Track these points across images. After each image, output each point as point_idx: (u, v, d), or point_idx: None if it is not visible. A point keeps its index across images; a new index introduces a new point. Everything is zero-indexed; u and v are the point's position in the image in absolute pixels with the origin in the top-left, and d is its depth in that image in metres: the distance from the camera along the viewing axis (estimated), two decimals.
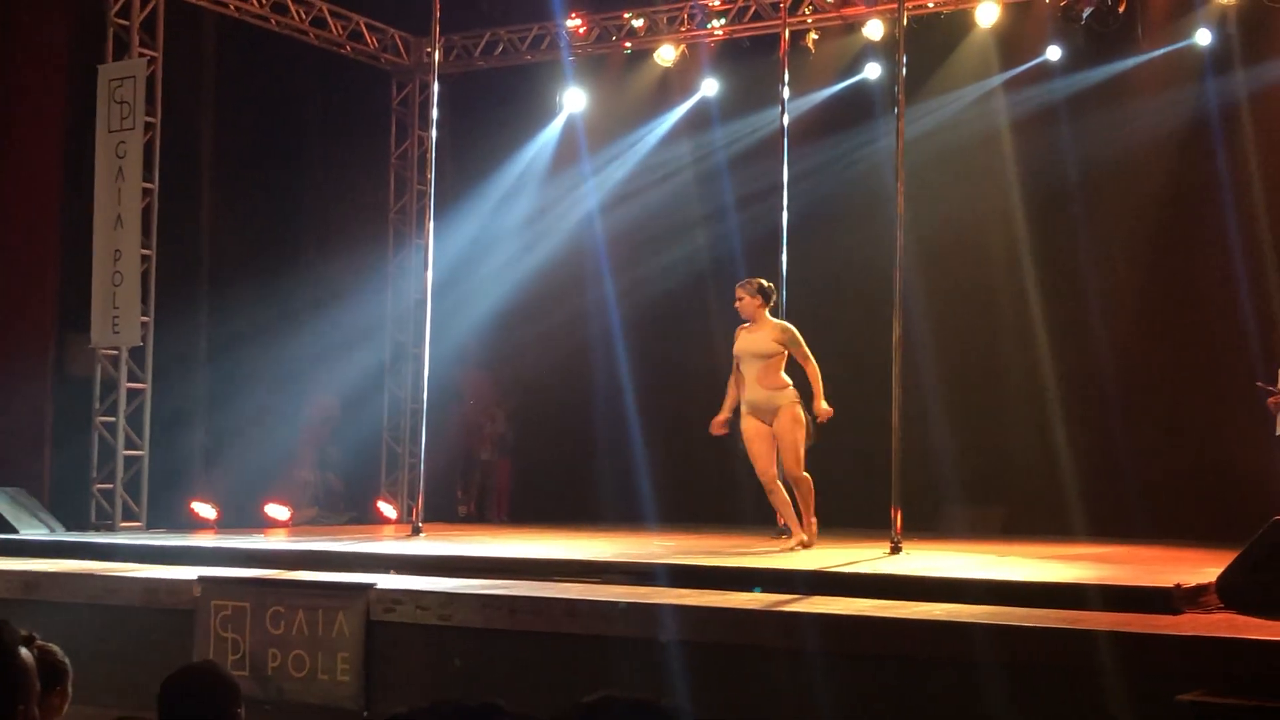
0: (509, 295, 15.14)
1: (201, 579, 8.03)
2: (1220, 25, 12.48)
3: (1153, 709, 5.63)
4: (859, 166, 13.91)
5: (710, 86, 14.42)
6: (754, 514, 11.92)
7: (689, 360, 13.76)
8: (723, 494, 13.39)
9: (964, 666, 6.13)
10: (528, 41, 14.88)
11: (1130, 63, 12.94)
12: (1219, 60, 12.48)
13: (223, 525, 12.43)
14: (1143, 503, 11.67)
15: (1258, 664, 5.74)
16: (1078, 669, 5.95)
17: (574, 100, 14.87)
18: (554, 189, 15.01)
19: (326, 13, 14.17)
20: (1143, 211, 12.53)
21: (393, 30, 14.97)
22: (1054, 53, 13.07)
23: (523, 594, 7.39)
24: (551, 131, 15.03)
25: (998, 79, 13.50)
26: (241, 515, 12.84)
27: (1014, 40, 13.35)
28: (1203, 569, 7.49)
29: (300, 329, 14.18)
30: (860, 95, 13.94)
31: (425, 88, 13.69)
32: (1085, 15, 12.84)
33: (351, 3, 14.41)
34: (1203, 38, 12.54)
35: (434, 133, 12.13)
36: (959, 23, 13.39)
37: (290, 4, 13.80)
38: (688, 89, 14.65)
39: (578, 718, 1.31)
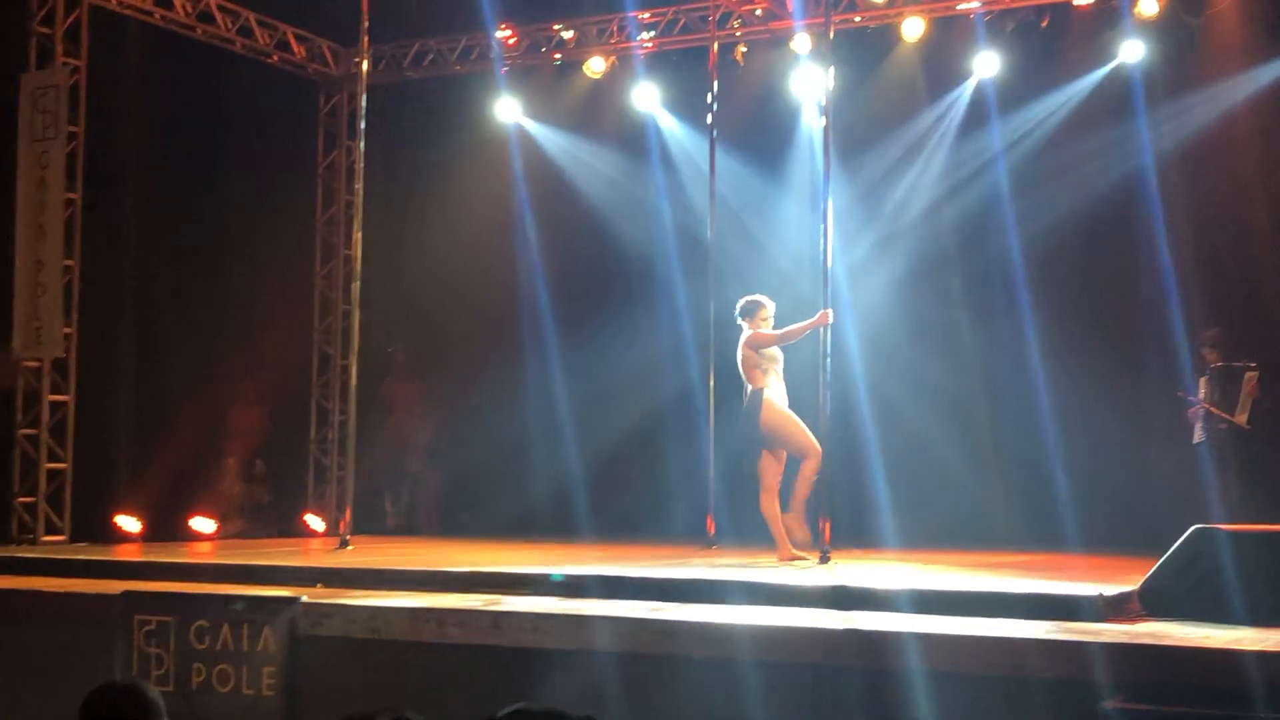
0: (437, 304, 15.10)
1: (125, 593, 7.94)
2: (1144, 41, 12.64)
3: (1078, 717, 5.68)
4: (791, 180, 13.99)
5: (645, 98, 14.43)
6: (686, 525, 11.96)
7: (623, 370, 13.76)
8: (656, 505, 13.43)
9: (892, 675, 6.17)
10: (457, 52, 14.85)
11: (1061, 80, 13.09)
12: (1146, 76, 12.64)
13: (147, 539, 12.29)
14: (1069, 511, 11.78)
15: (1181, 670, 5.82)
16: (1004, 678, 6.00)
17: (507, 110, 14.83)
18: (488, 200, 14.94)
19: (253, 22, 14.07)
20: (1072, 224, 12.65)
21: (321, 40, 14.90)
22: (980, 66, 13.19)
23: (451, 606, 7.36)
24: (488, 141, 14.98)
25: (937, 102, 13.63)
26: (166, 529, 12.70)
27: (940, 54, 13.48)
28: (1127, 576, 7.58)
29: (226, 340, 14.05)
30: (791, 107, 14.02)
31: (353, 98, 13.62)
32: (1010, 29, 13.04)
33: (279, 12, 14.33)
34: (1129, 53, 12.68)
35: (362, 143, 12.07)
36: (886, 37, 13.51)
37: (217, 13, 13.70)
38: (618, 100, 14.67)
39: None
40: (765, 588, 7.74)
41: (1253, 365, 11.39)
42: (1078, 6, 12.81)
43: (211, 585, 8.53)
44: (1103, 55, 12.90)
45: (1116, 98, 12.75)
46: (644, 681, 6.64)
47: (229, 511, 13.79)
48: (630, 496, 13.70)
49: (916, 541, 11.36)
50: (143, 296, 13.65)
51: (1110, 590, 7.05)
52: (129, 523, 12.36)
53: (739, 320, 10.03)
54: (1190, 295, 12.01)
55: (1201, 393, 11.63)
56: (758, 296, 10.06)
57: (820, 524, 9.48)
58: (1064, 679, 5.89)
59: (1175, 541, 7.22)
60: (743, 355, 9.91)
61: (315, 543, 12.98)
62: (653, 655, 6.68)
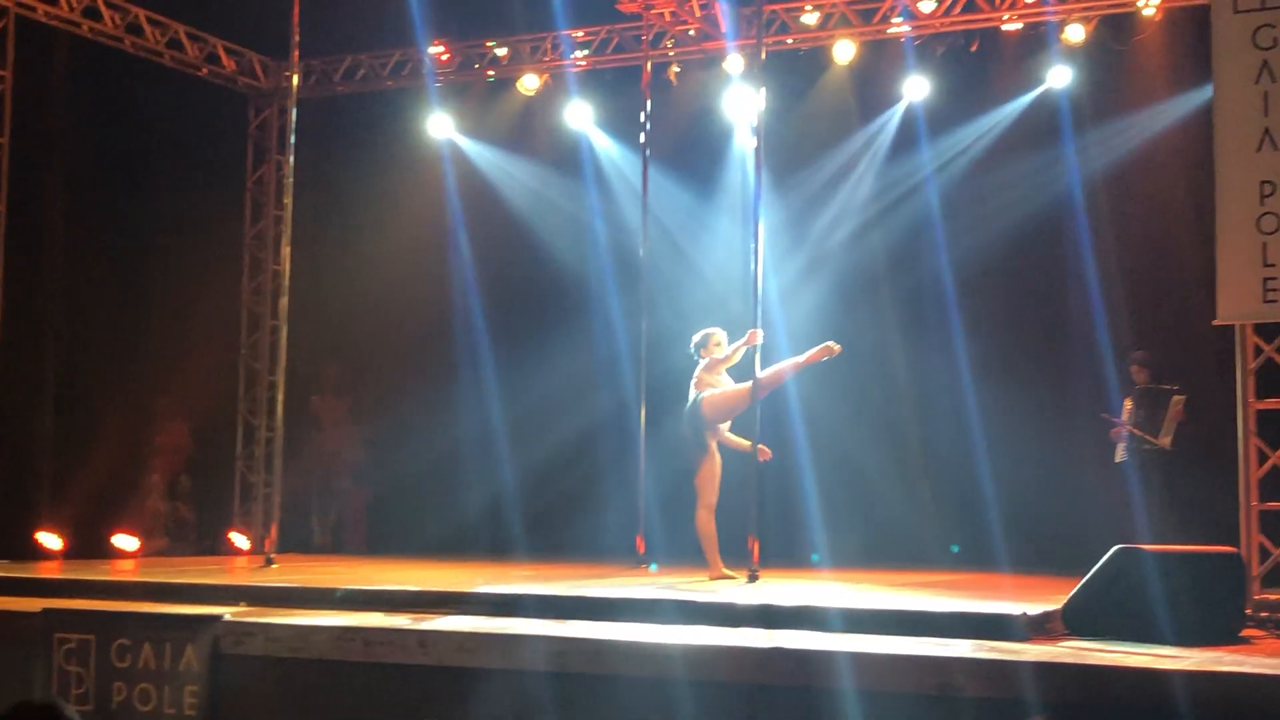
0: (367, 320, 15.00)
1: (45, 611, 7.81)
2: (1071, 66, 12.80)
3: None
4: (723, 199, 14.05)
5: (578, 116, 14.43)
6: (618, 543, 11.94)
7: (556, 387, 13.73)
8: (589, 523, 13.40)
9: (821, 694, 6.18)
10: (389, 67, 14.79)
11: (990, 104, 13.23)
12: (1073, 101, 12.79)
13: (69, 556, 12.11)
14: (998, 531, 11.87)
15: (1102, 689, 5.87)
16: (931, 696, 6.02)
17: (440, 126, 14.78)
18: (420, 216, 14.87)
19: (183, 35, 13.94)
20: (1001, 246, 12.76)
21: (251, 53, 14.78)
22: (910, 89, 13.30)
23: (377, 625, 7.30)
24: (420, 157, 14.92)
25: (868, 124, 13.73)
26: (89, 546, 12.51)
27: (871, 77, 13.59)
28: (1052, 596, 7.65)
29: (151, 355, 13.88)
30: (723, 127, 14.07)
31: (283, 112, 13.53)
32: (939, 53, 13.17)
33: (209, 25, 14.19)
34: (1057, 79, 12.83)
35: (291, 157, 11.99)
36: (817, 59, 13.60)
37: (146, 25, 13.56)
38: (551, 118, 14.67)
39: None
40: (694, 606, 7.73)
41: (1178, 389, 11.54)
42: (1006, 32, 12.95)
43: (133, 603, 8.41)
44: (1031, 80, 13.05)
45: (1044, 122, 12.90)
46: (574, 701, 6.62)
47: (152, 529, 13.60)
48: (563, 514, 13.68)
49: (846, 561, 11.42)
50: (66, 310, 13.44)
51: (1034, 609, 7.10)
52: (50, 540, 12.17)
53: (695, 356, 10.02)
54: (1117, 317, 12.16)
55: (1126, 413, 11.77)
56: (709, 329, 10.09)
57: (750, 543, 9.50)
58: (990, 698, 5.92)
59: (1098, 561, 7.29)
60: (698, 378, 9.92)
61: (240, 561, 12.84)
62: (582, 674, 6.66)
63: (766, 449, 9.73)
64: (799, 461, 12.27)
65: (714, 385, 9.87)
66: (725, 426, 9.90)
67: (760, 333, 9.68)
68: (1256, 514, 8.18)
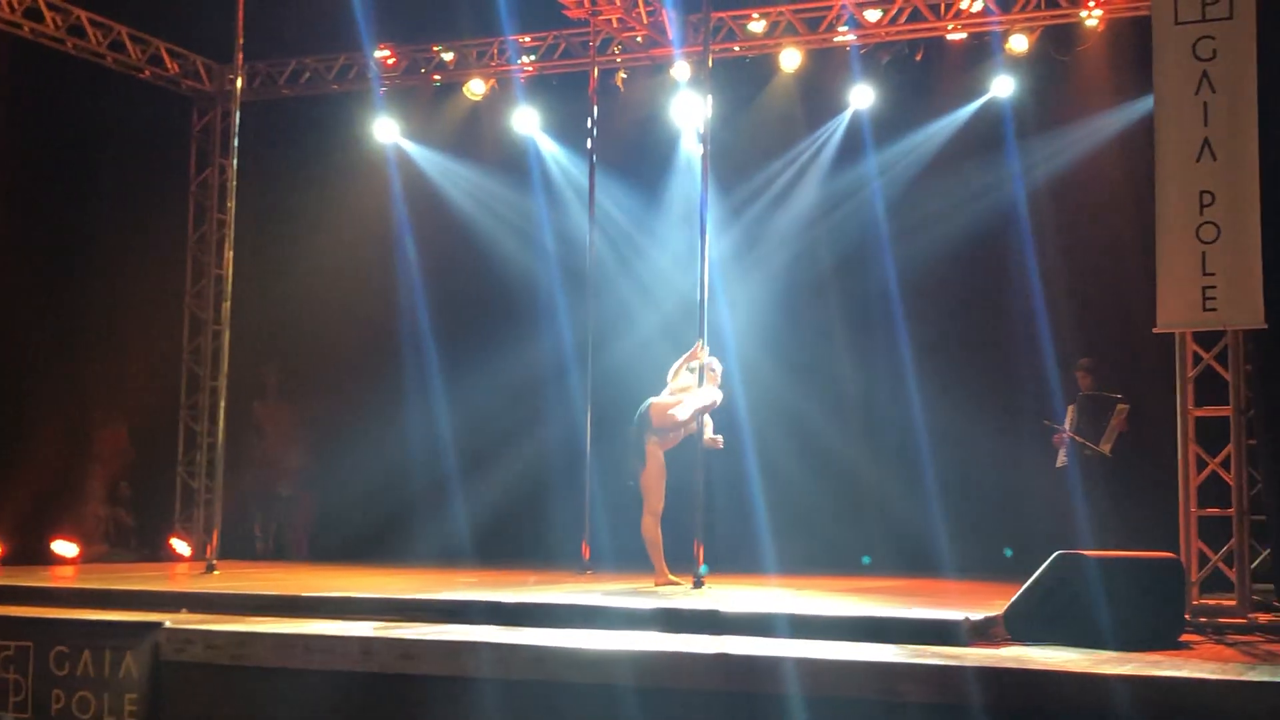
0: (312, 325, 14.91)
1: None
2: (1015, 76, 12.90)
3: None
4: (670, 206, 14.06)
5: (525, 121, 14.40)
6: (564, 549, 11.91)
7: (502, 393, 13.70)
8: (535, 529, 13.37)
9: (766, 700, 6.18)
10: (334, 71, 14.72)
11: (935, 113, 13.32)
12: (1017, 110, 12.89)
13: (7, 562, 11.97)
14: (941, 536, 11.94)
15: (1043, 694, 5.90)
16: (875, 701, 6.04)
17: (386, 131, 14.72)
18: (365, 220, 14.79)
19: (126, 37, 13.82)
20: (946, 253, 12.84)
21: (195, 56, 14.68)
22: (856, 97, 13.37)
23: (319, 633, 7.24)
24: (365, 162, 14.84)
25: (814, 132, 13.78)
26: (27, 552, 12.37)
27: (817, 85, 13.64)
28: (995, 602, 7.69)
29: (92, 359, 13.74)
30: (670, 133, 14.09)
31: (227, 115, 13.43)
32: (885, 62, 13.26)
33: (152, 27, 14.07)
34: (1000, 88, 12.93)
35: (235, 161, 11.90)
36: (764, 67, 13.65)
37: (88, 27, 13.43)
38: (498, 123, 14.63)
39: None
40: (639, 613, 7.71)
41: (1121, 398, 11.64)
42: (951, 41, 13.05)
43: (72, 610, 8.32)
44: (975, 89, 13.16)
45: (988, 131, 13.00)
46: (519, 708, 6.59)
47: (92, 534, 13.46)
48: (509, 521, 13.64)
49: (791, 567, 11.44)
50: (6, 312, 13.28)
51: (977, 615, 7.15)
52: None
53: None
54: (1060, 324, 12.26)
55: (1069, 420, 11.87)
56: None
57: (695, 548, 9.50)
58: (933, 703, 5.94)
59: (1040, 566, 7.34)
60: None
61: (181, 567, 12.71)
62: (526, 681, 6.63)
63: (718, 438, 9.75)
64: (746, 468, 12.29)
65: (671, 399, 9.85)
66: (675, 436, 9.84)
67: (702, 344, 9.69)
68: (1195, 520, 8.26)
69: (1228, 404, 8.24)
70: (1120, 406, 11.62)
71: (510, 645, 6.83)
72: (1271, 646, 7.19)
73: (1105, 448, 11.58)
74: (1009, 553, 7.05)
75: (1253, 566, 8.38)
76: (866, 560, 6.86)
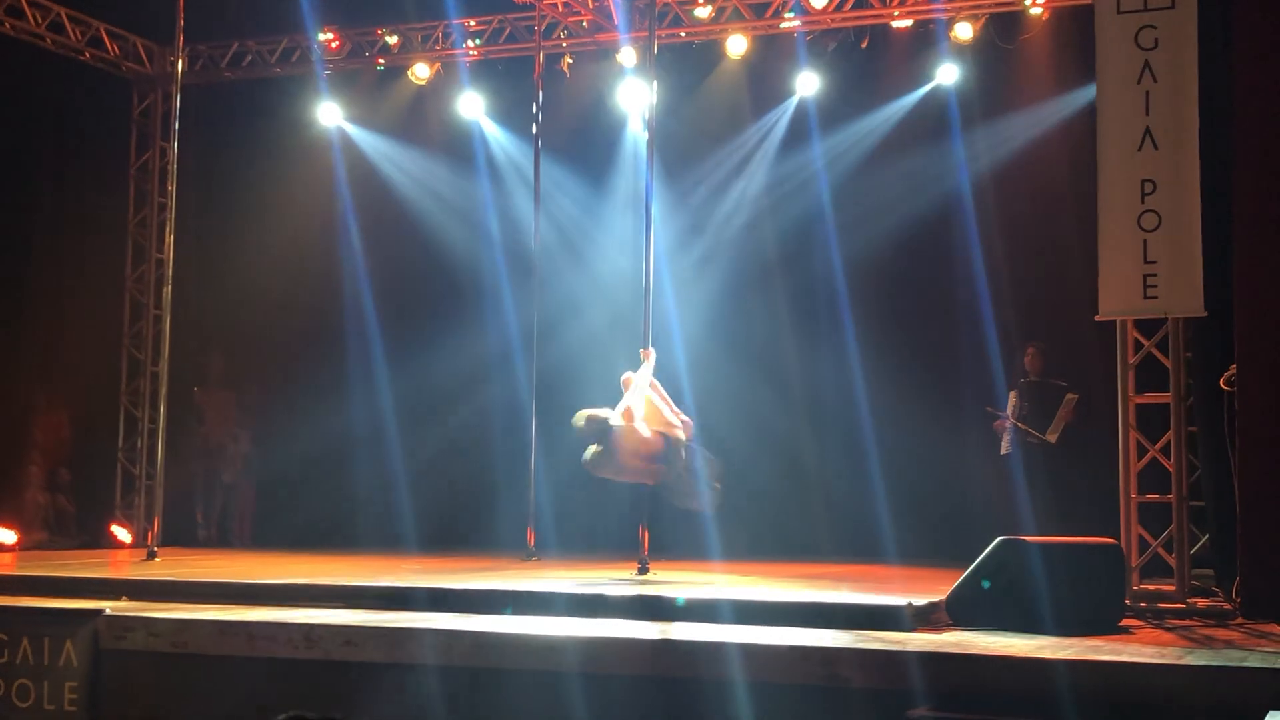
0: (255, 310, 14.79)
1: None
2: (960, 64, 12.95)
3: None
4: (616, 191, 14.04)
5: (470, 106, 14.32)
6: (510, 537, 11.88)
7: (448, 378, 13.63)
8: (480, 516, 13.32)
9: (710, 685, 6.20)
10: (277, 54, 14.58)
11: (880, 100, 13.35)
12: (962, 98, 12.93)
13: None
14: (888, 523, 11.99)
15: (985, 678, 5.95)
16: (818, 687, 6.06)
17: (329, 114, 14.61)
18: (309, 205, 14.67)
19: (65, 17, 13.62)
20: (891, 240, 12.87)
21: (135, 38, 14.49)
22: (802, 84, 13.38)
23: (261, 620, 7.19)
24: (308, 146, 14.72)
25: (760, 119, 13.78)
26: None
27: (763, 72, 13.65)
28: (939, 587, 7.74)
29: (30, 344, 13.57)
30: (616, 119, 14.06)
31: (168, 98, 13.26)
32: (831, 49, 13.28)
33: (91, 8, 13.87)
34: (945, 76, 12.97)
35: (176, 144, 11.77)
36: (710, 53, 13.64)
37: (26, 7, 13.23)
38: (443, 107, 14.55)
39: None
40: (583, 599, 7.71)
41: (1069, 387, 11.71)
42: (896, 29, 13.08)
43: (11, 598, 8.24)
44: (920, 77, 13.19)
45: (933, 118, 13.05)
46: (462, 694, 6.57)
47: (31, 521, 13.31)
48: (454, 507, 13.59)
49: (735, 554, 11.46)
50: None
51: (919, 600, 7.19)
52: None
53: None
54: (1004, 312, 12.33)
55: (1011, 406, 11.94)
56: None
57: (640, 534, 9.50)
58: (876, 688, 5.98)
59: (983, 552, 7.40)
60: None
61: (121, 554, 12.60)
62: (469, 668, 6.62)
63: (649, 350, 9.59)
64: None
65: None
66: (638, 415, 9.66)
67: (652, 351, 9.60)
68: (1136, 506, 8.34)
69: (1168, 391, 8.31)
70: (1069, 397, 11.69)
71: (454, 631, 6.82)
72: (1209, 631, 7.28)
73: (1052, 437, 11.65)
74: (986, 584, 7.09)
75: (1192, 552, 8.47)
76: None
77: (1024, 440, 11.76)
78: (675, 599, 7.51)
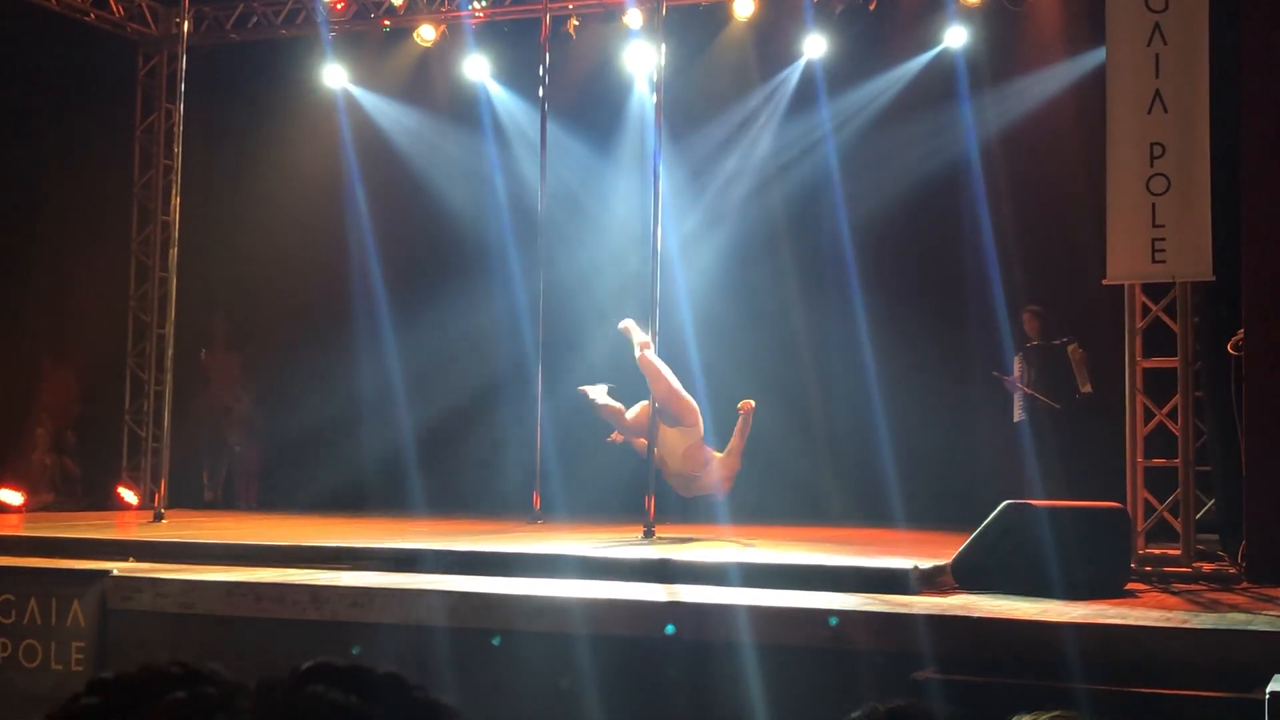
0: (260, 273, 14.78)
1: None
2: (968, 27, 12.88)
3: (891, 687, 5.78)
4: (622, 155, 13.99)
5: (476, 68, 14.27)
6: (517, 499, 11.89)
7: (455, 342, 13.62)
8: (487, 479, 13.34)
9: (716, 647, 6.21)
10: (282, 15, 14.50)
11: (888, 63, 13.28)
12: (970, 61, 12.86)
13: None
14: (896, 487, 11.99)
15: (990, 641, 5.96)
16: (823, 649, 6.08)
17: (335, 76, 14.55)
18: (314, 167, 14.63)
19: None
20: (899, 204, 12.83)
21: None
22: (809, 47, 13.32)
23: (268, 581, 7.21)
24: (314, 108, 14.66)
25: (767, 81, 13.71)
26: None
27: (770, 34, 13.59)
28: (943, 551, 7.75)
29: (37, 307, 13.57)
30: (623, 81, 14.00)
31: (174, 59, 13.21)
32: (838, 11, 13.20)
33: None
34: (953, 39, 12.91)
35: (182, 106, 11.74)
36: (717, 15, 13.57)
37: None
38: (449, 70, 14.49)
39: (290, 682, 1.25)
40: (590, 561, 7.73)
41: (1068, 339, 11.64)
42: None
43: (18, 559, 8.25)
44: (928, 40, 13.12)
45: (942, 82, 12.98)
46: (469, 656, 6.59)
47: (38, 483, 13.33)
48: (461, 470, 13.61)
49: (743, 517, 11.46)
50: None
51: (925, 564, 7.20)
52: None
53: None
54: (1013, 276, 12.29)
55: (1016, 371, 11.92)
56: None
57: (646, 499, 9.52)
58: (881, 650, 5.99)
59: (989, 516, 7.40)
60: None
61: (128, 516, 12.63)
62: (476, 629, 6.63)
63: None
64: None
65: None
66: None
67: (649, 343, 9.74)
68: (1142, 470, 8.34)
69: (1175, 355, 8.30)
70: (1071, 347, 11.62)
71: (461, 593, 6.84)
72: (1215, 595, 7.29)
73: (1086, 388, 11.53)
74: (834, 621, 7.22)
75: (1198, 516, 8.48)
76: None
77: (1034, 405, 11.72)
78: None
